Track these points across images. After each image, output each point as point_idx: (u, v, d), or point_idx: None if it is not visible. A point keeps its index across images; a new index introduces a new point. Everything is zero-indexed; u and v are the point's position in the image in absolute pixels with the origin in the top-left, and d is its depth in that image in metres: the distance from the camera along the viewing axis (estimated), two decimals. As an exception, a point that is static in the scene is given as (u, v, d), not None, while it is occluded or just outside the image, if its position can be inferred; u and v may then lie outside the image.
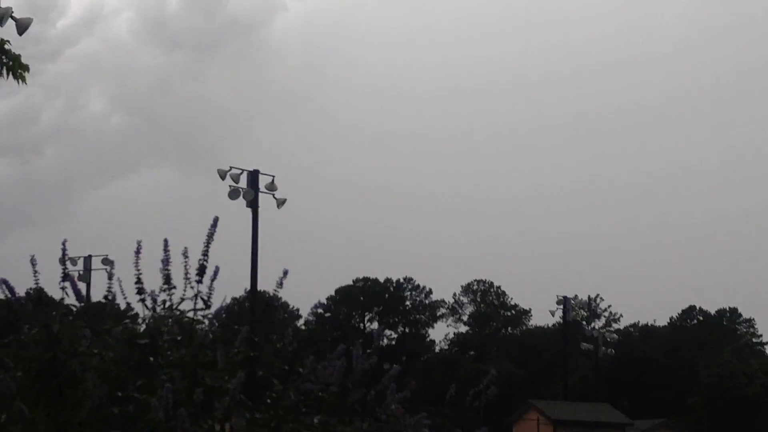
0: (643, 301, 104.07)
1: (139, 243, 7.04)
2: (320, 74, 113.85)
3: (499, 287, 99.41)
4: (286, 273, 7.35)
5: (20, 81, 11.50)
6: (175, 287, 7.34)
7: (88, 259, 37.28)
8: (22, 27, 12.22)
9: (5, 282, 6.99)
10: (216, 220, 6.93)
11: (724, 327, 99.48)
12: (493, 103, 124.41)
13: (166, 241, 6.97)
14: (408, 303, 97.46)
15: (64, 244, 7.91)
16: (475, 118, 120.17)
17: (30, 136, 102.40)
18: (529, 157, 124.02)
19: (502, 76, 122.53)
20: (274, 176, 31.24)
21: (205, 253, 7.00)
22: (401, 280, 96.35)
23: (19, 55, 11.19)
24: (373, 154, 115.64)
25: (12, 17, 12.03)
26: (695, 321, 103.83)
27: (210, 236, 6.87)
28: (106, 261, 34.91)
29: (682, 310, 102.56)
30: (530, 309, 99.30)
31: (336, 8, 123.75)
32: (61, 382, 6.83)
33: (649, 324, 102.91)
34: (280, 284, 7.42)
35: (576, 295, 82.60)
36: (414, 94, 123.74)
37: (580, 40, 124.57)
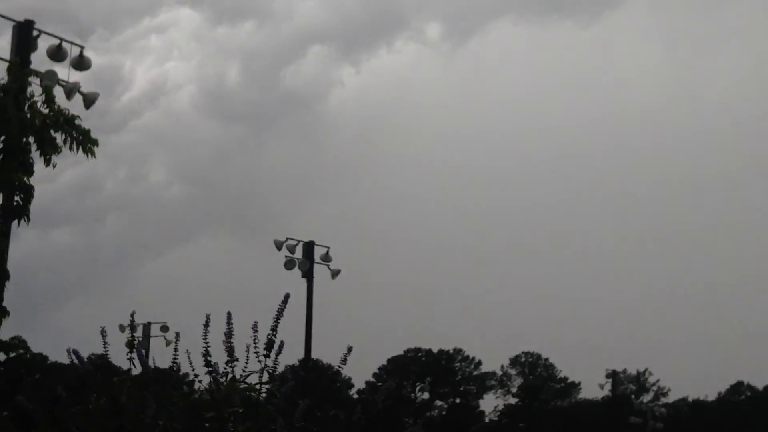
0: (693, 375, 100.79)
1: (207, 317, 7.14)
2: (374, 146, 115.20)
3: (547, 359, 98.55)
4: (350, 350, 7.38)
5: (89, 155, 11.81)
6: (237, 359, 7.38)
7: (147, 327, 37.92)
8: (89, 101, 12.63)
9: (76, 352, 7.07)
10: (287, 297, 7.01)
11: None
12: (539, 173, 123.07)
13: (229, 314, 7.00)
14: (458, 374, 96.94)
15: (132, 315, 8.04)
16: (523, 188, 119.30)
17: (93, 205, 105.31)
18: (577, 227, 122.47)
19: (549, 147, 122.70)
20: (329, 247, 31.14)
21: (275, 329, 7.04)
22: (451, 351, 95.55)
23: (88, 130, 11.50)
24: (424, 224, 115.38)
25: (80, 92, 12.44)
26: (743, 396, 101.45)
27: (280, 313, 6.91)
28: (165, 328, 35.47)
29: (730, 386, 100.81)
30: (579, 382, 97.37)
31: (391, 82, 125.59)
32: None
33: (698, 399, 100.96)
34: (344, 361, 7.46)
35: (625, 369, 79.66)
36: (465, 166, 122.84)
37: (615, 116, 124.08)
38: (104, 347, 7.48)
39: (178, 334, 8.23)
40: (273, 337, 7.23)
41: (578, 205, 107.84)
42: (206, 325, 7.49)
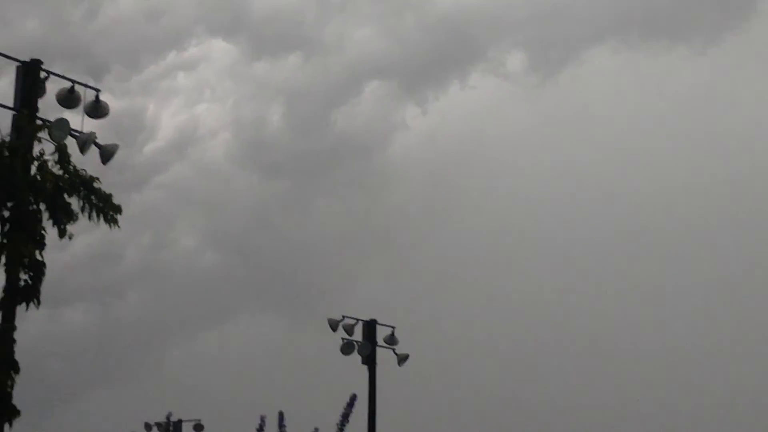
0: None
1: (263, 419, 6.39)
2: (445, 201, 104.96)
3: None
4: None
5: (112, 225, 10.27)
6: None
7: (178, 425, 35.38)
8: (107, 155, 10.94)
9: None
10: (353, 399, 6.00)
11: None
12: (637, 252, 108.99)
13: (281, 415, 6.26)
14: None
15: (168, 417, 6.61)
16: (613, 271, 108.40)
17: (112, 278, 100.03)
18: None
19: (651, 218, 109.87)
20: (394, 327, 27.84)
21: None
22: None
23: (110, 195, 9.95)
24: (502, 296, 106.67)
25: (96, 144, 10.78)
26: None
27: (345, 418, 5.83)
28: (199, 427, 32.92)
29: None
30: None
31: (466, 125, 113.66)
32: None
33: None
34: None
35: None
36: (550, 233, 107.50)
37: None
38: None
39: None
40: None
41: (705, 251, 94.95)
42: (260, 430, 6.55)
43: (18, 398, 9.82)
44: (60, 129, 10.26)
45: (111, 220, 10.11)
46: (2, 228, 9.80)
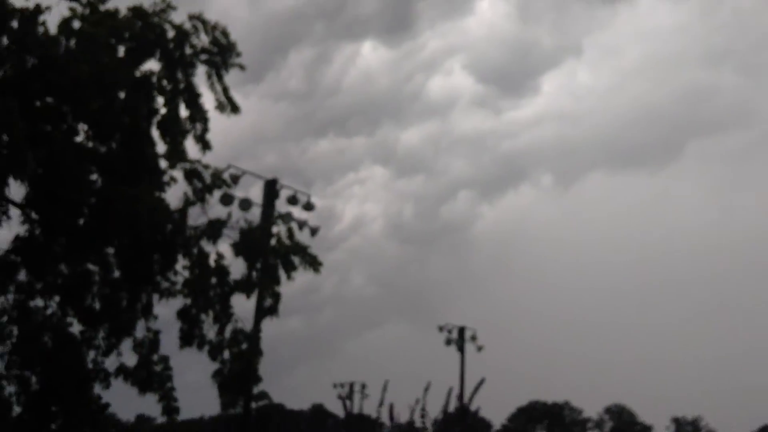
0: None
1: (386, 382, 11.53)
2: (504, 262, 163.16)
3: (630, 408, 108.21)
4: (481, 383, 11.32)
5: (316, 271, 16.80)
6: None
7: (351, 385, 44.66)
8: (314, 232, 18.08)
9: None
10: (482, 381, 11.19)
11: None
12: (621, 277, 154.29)
13: (386, 384, 11.68)
14: (566, 419, 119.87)
15: (351, 386, 12.62)
16: (610, 283, 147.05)
17: (314, 301, 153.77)
18: (651, 310, 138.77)
19: (629, 262, 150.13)
20: (475, 330, 41.76)
21: (467, 399, 11.47)
22: (561, 403, 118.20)
23: (316, 255, 16.84)
24: (541, 315, 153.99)
25: (309, 226, 17.73)
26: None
27: (474, 393, 11.16)
28: (364, 386, 41.83)
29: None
30: (652, 425, 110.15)
31: (516, 216, 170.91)
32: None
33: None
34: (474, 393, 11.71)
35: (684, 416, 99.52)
36: (566, 280, 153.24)
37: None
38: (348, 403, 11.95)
39: (385, 387, 12.71)
40: (466, 405, 11.56)
41: (655, 292, 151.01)
42: (384, 388, 11.96)
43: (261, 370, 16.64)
44: (288, 219, 17.08)
45: (316, 269, 16.62)
46: (256, 275, 16.36)
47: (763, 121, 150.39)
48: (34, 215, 15.72)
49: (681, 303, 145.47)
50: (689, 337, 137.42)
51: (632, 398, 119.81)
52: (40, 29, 15.44)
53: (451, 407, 11.38)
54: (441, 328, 41.90)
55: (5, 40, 15.26)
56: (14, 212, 15.61)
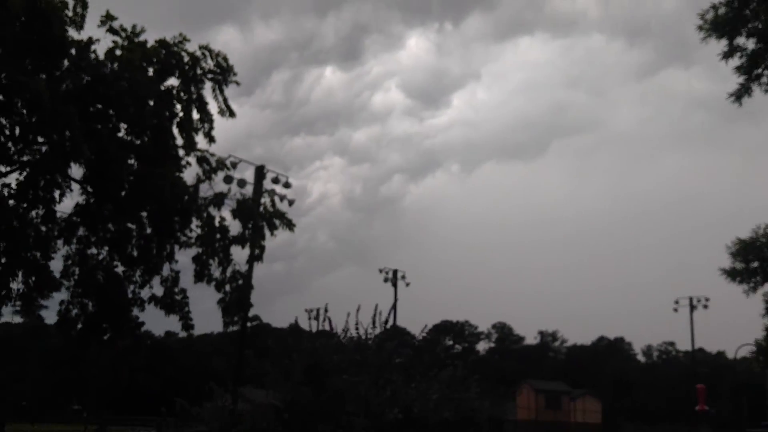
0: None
1: (326, 306, 14.72)
2: (424, 224, 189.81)
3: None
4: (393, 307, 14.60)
5: (291, 230, 19.69)
6: (376, 327, 15.02)
7: (317, 310, 48.43)
8: (291, 203, 21.00)
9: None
10: (394, 304, 14.62)
11: None
12: (509, 233, 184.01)
13: (326, 307, 14.62)
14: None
15: (317, 311, 15.99)
16: (495, 237, 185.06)
17: (290, 252, 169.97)
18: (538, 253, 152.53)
19: (518, 223, 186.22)
20: (405, 271, 48.43)
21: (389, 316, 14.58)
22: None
23: (291, 219, 19.27)
24: (454, 258, 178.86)
25: (287, 199, 20.80)
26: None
27: (391, 309, 14.51)
28: (326, 310, 45.56)
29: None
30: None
31: (434, 194, 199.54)
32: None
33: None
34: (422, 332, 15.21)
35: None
36: (466, 239, 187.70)
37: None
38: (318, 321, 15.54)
39: (326, 309, 15.87)
40: (388, 319, 14.49)
41: (527, 244, 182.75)
42: (326, 310, 14.50)
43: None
44: (272, 193, 20.04)
45: (291, 229, 19.26)
46: (248, 232, 18.98)
47: (603, 128, 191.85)
48: (89, 189, 17.48)
49: (544, 251, 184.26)
50: (549, 274, 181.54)
51: (511, 318, 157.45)
52: (92, 56, 17.16)
53: (382, 323, 13.24)
54: (381, 270, 48.82)
55: (66, 63, 16.89)
56: (75, 187, 17.43)
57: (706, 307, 65.76)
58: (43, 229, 16.89)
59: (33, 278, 16.52)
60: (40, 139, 16.34)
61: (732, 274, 12.57)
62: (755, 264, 12.38)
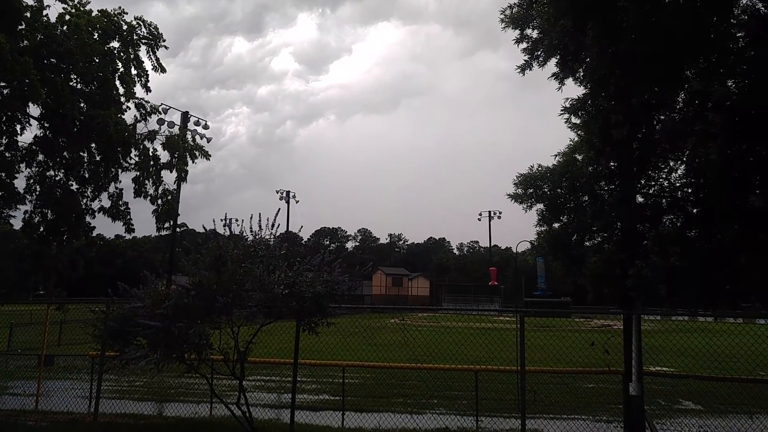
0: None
1: (225, 215, 14.62)
2: (310, 159, 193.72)
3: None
4: (301, 228, 14.79)
5: (207, 159, 19.30)
6: (262, 229, 15.22)
7: (230, 220, 46.78)
8: (208, 140, 20.48)
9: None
10: (278, 211, 15.09)
11: None
12: (365, 165, 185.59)
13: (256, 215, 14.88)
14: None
15: (230, 220, 15.98)
16: (357, 169, 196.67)
17: (209, 176, 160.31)
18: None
19: (375, 156, 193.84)
20: (295, 192, 49.25)
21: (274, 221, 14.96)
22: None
23: (208, 151, 18.92)
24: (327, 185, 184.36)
25: (205, 137, 20.26)
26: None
27: (276, 215, 14.83)
28: (237, 220, 44.71)
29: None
30: None
31: (316, 136, 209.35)
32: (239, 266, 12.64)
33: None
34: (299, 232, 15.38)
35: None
36: (338, 169, 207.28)
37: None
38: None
39: (226, 217, 16.15)
40: (277, 225, 14.98)
41: (380, 169, 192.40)
42: (226, 217, 14.78)
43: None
44: (194, 132, 19.40)
45: (208, 158, 18.92)
46: (175, 160, 18.60)
47: (436, 93, 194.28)
48: (46, 125, 16.31)
49: (394, 177, 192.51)
50: (398, 192, 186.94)
51: (370, 224, 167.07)
52: (44, 19, 15.78)
53: (271, 226, 13.23)
54: (277, 192, 50.73)
55: (23, 24, 15.41)
56: (34, 123, 16.31)
57: (499, 217, 74.56)
58: (8, 155, 15.77)
59: (1, 193, 15.50)
60: (2, 84, 14.94)
61: (515, 197, 13.71)
62: (531, 191, 13.76)
